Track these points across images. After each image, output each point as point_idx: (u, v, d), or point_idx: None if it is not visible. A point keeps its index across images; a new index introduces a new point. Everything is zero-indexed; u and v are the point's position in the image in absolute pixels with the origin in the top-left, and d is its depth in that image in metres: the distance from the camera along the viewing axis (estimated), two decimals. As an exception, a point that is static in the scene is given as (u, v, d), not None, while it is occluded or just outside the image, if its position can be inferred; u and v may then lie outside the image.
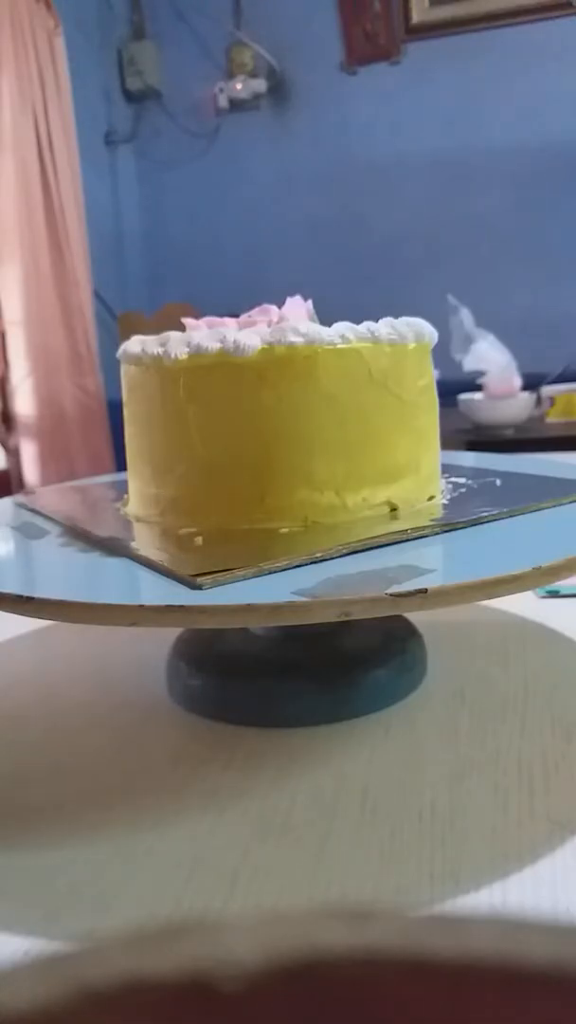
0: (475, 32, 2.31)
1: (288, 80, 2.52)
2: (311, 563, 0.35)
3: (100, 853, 0.34)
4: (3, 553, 0.44)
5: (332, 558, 0.36)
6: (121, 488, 0.52)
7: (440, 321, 0.78)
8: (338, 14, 2.42)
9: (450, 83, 2.36)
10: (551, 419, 1.79)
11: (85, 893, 0.32)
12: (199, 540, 0.39)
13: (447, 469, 0.50)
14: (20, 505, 0.54)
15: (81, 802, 0.38)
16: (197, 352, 0.40)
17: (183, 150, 2.65)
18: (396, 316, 0.44)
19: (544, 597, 0.60)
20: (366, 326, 0.42)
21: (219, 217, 2.64)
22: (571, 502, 0.44)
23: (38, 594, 0.33)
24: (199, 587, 0.32)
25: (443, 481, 0.48)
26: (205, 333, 0.41)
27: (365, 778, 0.38)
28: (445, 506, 0.44)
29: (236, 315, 0.47)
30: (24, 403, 2.17)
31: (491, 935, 0.10)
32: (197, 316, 0.49)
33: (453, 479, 0.50)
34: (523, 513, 0.42)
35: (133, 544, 0.40)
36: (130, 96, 2.67)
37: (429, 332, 0.45)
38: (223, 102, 2.53)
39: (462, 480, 0.49)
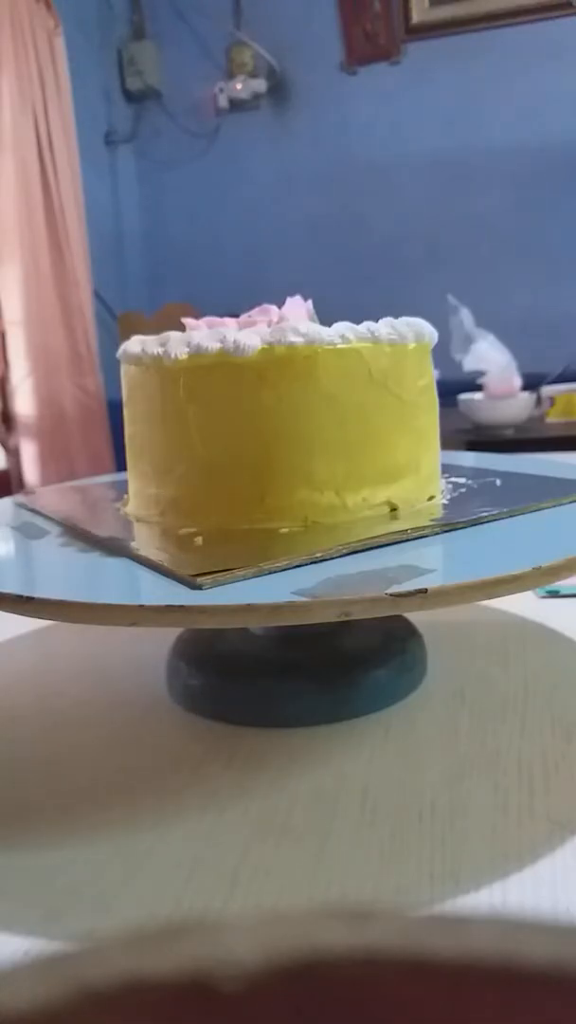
0: (475, 32, 2.31)
1: (288, 80, 2.52)
2: (311, 563, 0.35)
3: (100, 853, 0.34)
4: (3, 553, 0.44)
5: (332, 558, 0.36)
6: (121, 488, 0.52)
7: (440, 321, 0.78)
8: (338, 14, 2.42)
9: (450, 83, 2.36)
10: (551, 419, 1.79)
11: (85, 893, 0.32)
12: (199, 540, 0.39)
13: (447, 469, 0.50)
14: (20, 505, 0.54)
15: (81, 802, 0.38)
16: (197, 352, 0.40)
17: (183, 150, 2.65)
18: (396, 316, 0.44)
19: (544, 597, 0.60)
20: (366, 326, 0.42)
21: (219, 217, 2.64)
22: (571, 502, 0.44)
23: (38, 594, 0.33)
24: (199, 587, 0.32)
25: (443, 481, 0.48)
26: (205, 333, 0.41)
27: (365, 778, 0.38)
28: (445, 506, 0.44)
29: (236, 315, 0.47)
30: (24, 403, 2.17)
31: (491, 935, 0.10)
32: (197, 316, 0.49)
33: (453, 479, 0.50)
34: (523, 513, 0.42)
35: (133, 544, 0.40)
36: (130, 96, 2.67)
37: (429, 332, 0.45)
38: (223, 102, 2.53)
39: (462, 480, 0.49)
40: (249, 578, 0.33)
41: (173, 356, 0.41)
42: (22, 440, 2.20)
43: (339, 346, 0.40)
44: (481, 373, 1.70)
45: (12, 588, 0.33)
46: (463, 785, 0.37)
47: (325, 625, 0.38)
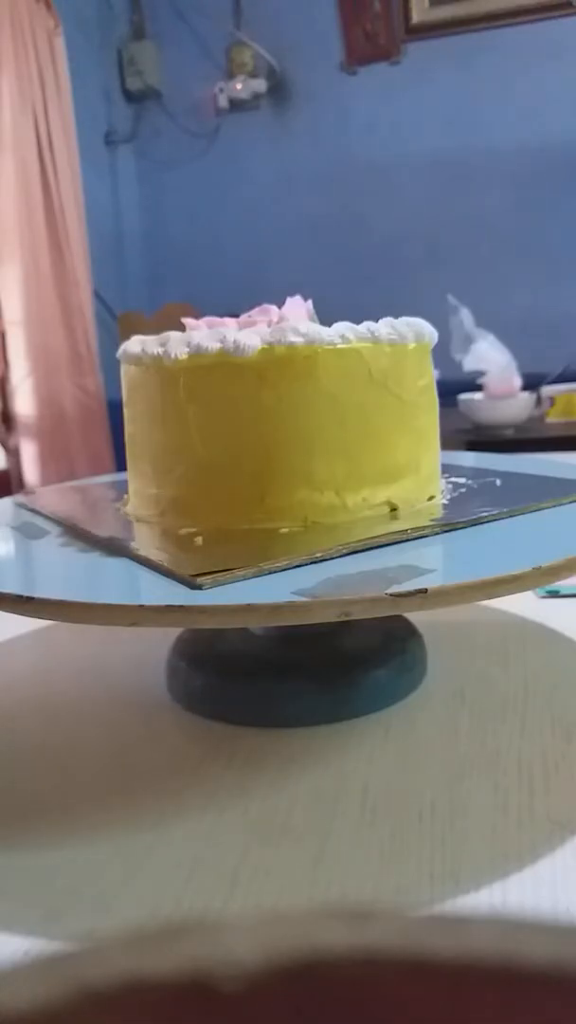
0: (475, 32, 2.31)
1: (288, 80, 2.52)
2: (311, 563, 0.35)
3: (100, 853, 0.34)
4: (3, 553, 0.44)
5: (332, 558, 0.36)
6: (121, 488, 0.52)
7: (440, 321, 0.78)
8: (338, 14, 2.42)
9: (450, 83, 2.36)
10: (551, 419, 1.79)
11: (85, 893, 0.32)
12: (199, 540, 0.39)
13: (447, 469, 0.50)
14: (20, 505, 0.54)
15: (81, 802, 0.38)
16: (197, 352, 0.40)
17: (183, 150, 2.65)
18: (396, 316, 0.44)
19: (544, 597, 0.60)
20: (366, 326, 0.42)
21: (219, 217, 2.64)
22: (571, 502, 0.44)
23: (38, 594, 0.33)
24: (199, 587, 0.32)
25: (443, 481, 0.48)
26: (205, 333, 0.41)
27: (365, 778, 0.38)
28: (445, 506, 0.44)
29: (236, 315, 0.47)
30: (24, 403, 2.17)
31: (491, 935, 0.10)
32: (197, 316, 0.49)
33: (453, 479, 0.50)
34: (523, 513, 0.42)
35: (133, 544, 0.40)
36: (130, 96, 2.67)
37: (429, 332, 0.45)
38: (223, 102, 2.53)
39: (462, 480, 0.49)
40: (249, 578, 0.33)
41: (173, 356, 0.41)
42: (22, 440, 2.20)
43: (339, 346, 0.40)
44: (481, 373, 1.70)
45: (12, 588, 0.33)
46: (463, 785, 0.37)
47: (325, 625, 0.38)
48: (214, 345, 0.40)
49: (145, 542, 0.41)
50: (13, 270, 2.10)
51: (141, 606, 0.31)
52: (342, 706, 0.43)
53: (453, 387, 1.52)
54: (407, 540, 0.38)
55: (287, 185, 2.56)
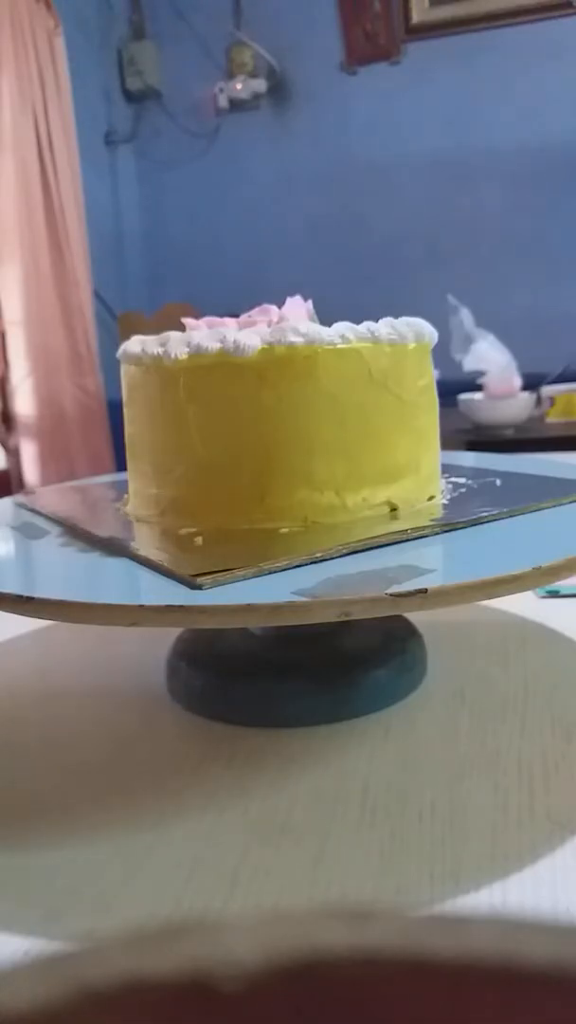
0: (475, 32, 2.31)
1: (288, 80, 2.52)
2: (311, 563, 0.35)
3: (100, 853, 0.34)
4: (3, 553, 0.44)
5: (332, 558, 0.36)
6: (121, 488, 0.52)
7: (440, 321, 0.78)
8: (338, 14, 2.42)
9: (450, 83, 2.36)
10: (551, 419, 1.79)
11: (85, 893, 0.32)
12: (199, 540, 0.39)
13: (447, 469, 0.50)
14: (20, 505, 0.54)
15: (81, 802, 0.38)
16: (197, 352, 0.40)
17: (183, 150, 2.65)
18: (396, 316, 0.44)
19: (544, 597, 0.60)
20: (366, 326, 0.42)
21: (219, 217, 2.64)
22: (571, 502, 0.44)
23: (38, 594, 0.33)
24: (199, 587, 0.32)
25: (443, 481, 0.48)
26: (205, 333, 0.41)
27: (365, 778, 0.38)
28: (445, 506, 0.44)
29: (236, 315, 0.47)
30: (24, 403, 2.17)
31: (491, 935, 0.10)
32: (197, 316, 0.49)
33: (453, 479, 0.50)
34: (523, 513, 0.42)
35: (133, 544, 0.40)
36: (130, 96, 2.67)
37: (429, 332, 0.45)
38: (223, 102, 2.53)
39: (462, 480, 0.49)
40: (249, 578, 0.33)
41: (173, 356, 0.41)
42: (22, 440, 2.20)
43: (339, 346, 0.40)
44: (481, 373, 1.70)
45: (12, 588, 0.33)
46: (463, 785, 0.37)
47: (325, 625, 0.38)
48: (214, 345, 0.40)
49: (145, 542, 0.41)
50: (13, 270, 2.10)
51: (141, 606, 0.31)
52: (342, 706, 0.43)
53: (453, 387, 1.52)
54: (407, 540, 0.38)
55: (287, 185, 2.56)
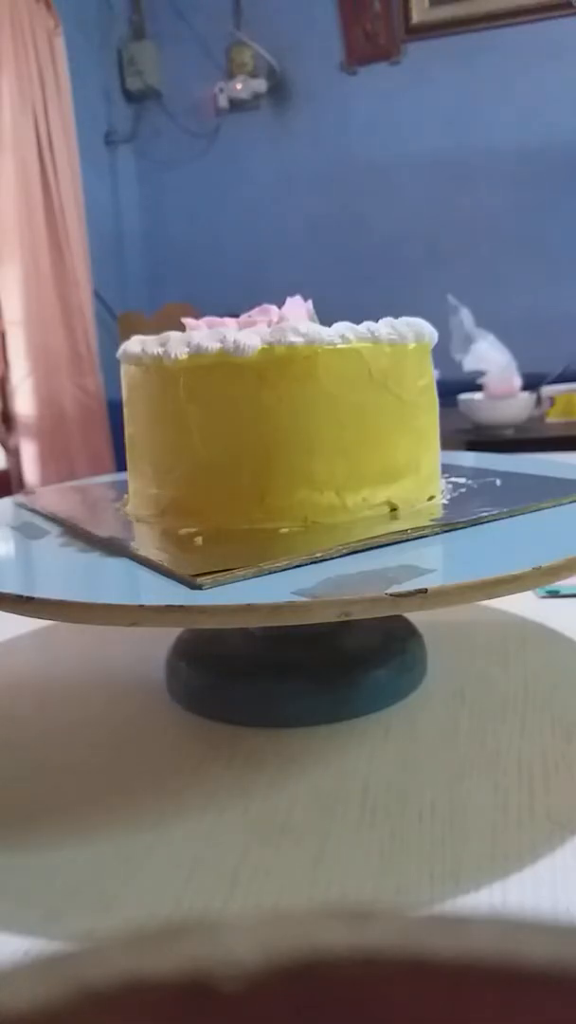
0: (475, 32, 2.31)
1: (288, 80, 2.52)
2: (311, 563, 0.35)
3: (100, 853, 0.34)
4: (3, 553, 0.44)
5: (332, 558, 0.36)
6: (121, 488, 0.52)
7: (440, 321, 0.78)
8: (338, 14, 2.42)
9: (450, 83, 2.36)
10: (551, 419, 1.79)
11: (85, 893, 0.32)
12: (199, 540, 0.39)
13: (447, 469, 0.50)
14: (20, 505, 0.54)
15: (81, 802, 0.38)
16: (197, 352, 0.40)
17: (183, 150, 2.65)
18: (396, 316, 0.44)
19: (544, 597, 0.60)
20: (366, 326, 0.42)
21: (219, 217, 2.64)
22: (571, 502, 0.44)
23: (38, 594, 0.33)
24: (199, 587, 0.32)
25: (443, 481, 0.48)
26: (205, 333, 0.41)
27: (365, 778, 0.38)
28: (445, 506, 0.44)
29: (236, 315, 0.47)
30: (24, 403, 2.17)
31: (491, 935, 0.10)
32: (197, 316, 0.49)
33: (453, 479, 0.50)
34: (523, 513, 0.42)
35: (133, 544, 0.40)
36: (130, 96, 2.67)
37: (429, 332, 0.45)
38: (223, 102, 2.53)
39: (462, 480, 0.49)
40: (249, 578, 0.33)
41: (173, 356, 0.41)
42: (22, 440, 2.20)
43: (339, 346, 0.40)
44: (481, 373, 1.70)
45: (12, 588, 0.33)
46: (463, 785, 0.37)
47: (325, 625, 0.38)
48: (214, 345, 0.40)
49: (145, 542, 0.41)
50: (13, 270, 2.10)
51: (141, 606, 0.31)
52: (342, 706, 0.43)
53: (453, 387, 1.52)
54: (407, 540, 0.38)
55: (287, 185, 2.56)
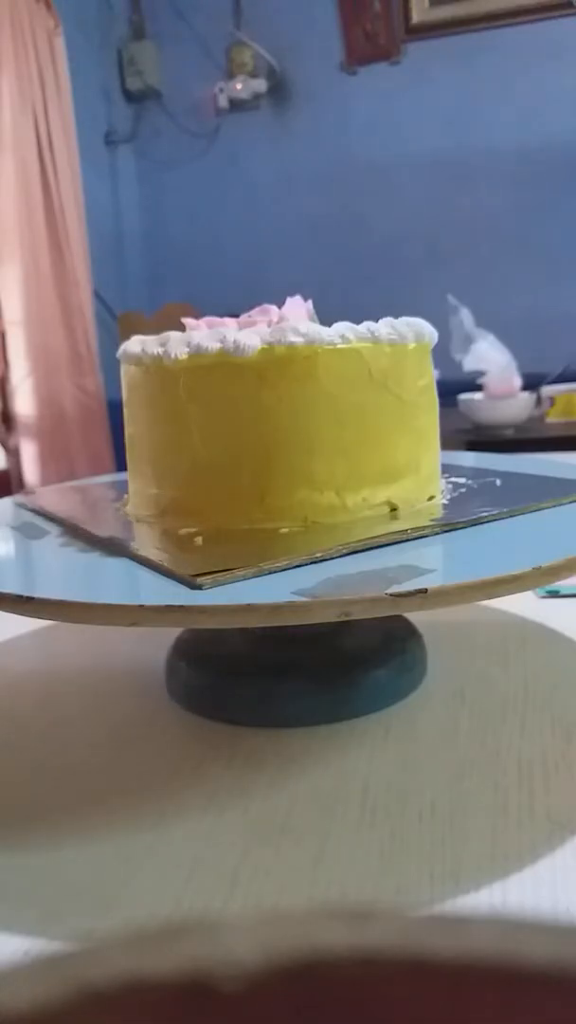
0: (475, 32, 2.31)
1: (288, 80, 2.52)
2: (311, 563, 0.35)
3: (100, 853, 0.34)
4: (3, 553, 0.44)
5: (332, 558, 0.36)
6: (121, 488, 0.52)
7: (440, 321, 0.78)
8: (338, 14, 2.42)
9: (450, 83, 2.36)
10: (551, 419, 1.79)
11: (85, 893, 0.32)
12: (199, 540, 0.39)
13: (447, 469, 0.50)
14: (20, 505, 0.54)
15: (81, 802, 0.38)
16: (197, 352, 0.40)
17: (183, 150, 2.65)
18: (396, 316, 0.44)
19: (544, 597, 0.60)
20: (366, 326, 0.42)
21: (219, 217, 2.64)
22: (571, 502, 0.44)
23: (38, 594, 0.33)
24: (199, 587, 0.32)
25: (443, 481, 0.48)
26: (205, 333, 0.41)
27: (365, 778, 0.38)
28: (445, 506, 0.44)
29: (236, 315, 0.47)
30: (24, 403, 2.17)
31: (491, 935, 0.10)
32: (197, 316, 0.49)
33: (453, 479, 0.50)
34: (523, 513, 0.42)
35: (133, 544, 0.40)
36: (130, 96, 2.67)
37: (429, 332, 0.45)
38: (223, 102, 2.53)
39: (462, 480, 0.49)
40: (249, 578, 0.33)
41: (173, 356, 0.41)
42: (22, 440, 2.20)
43: (339, 346, 0.40)
44: (481, 373, 1.70)
45: (12, 588, 0.33)
46: (463, 785, 0.37)
47: (325, 625, 0.38)
48: (214, 345, 0.40)
49: (145, 542, 0.41)
50: (13, 270, 2.10)
51: (141, 606, 0.31)
52: (342, 706, 0.43)
53: (453, 387, 1.52)
54: (407, 540, 0.38)
55: (287, 185, 2.56)
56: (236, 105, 2.53)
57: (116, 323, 2.49)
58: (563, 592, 0.61)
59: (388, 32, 2.39)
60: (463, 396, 1.73)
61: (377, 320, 0.42)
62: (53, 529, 0.46)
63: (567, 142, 2.27)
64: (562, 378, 2.03)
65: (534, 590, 0.60)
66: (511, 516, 0.42)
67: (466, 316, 1.68)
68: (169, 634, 0.50)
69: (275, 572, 0.34)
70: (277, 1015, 0.10)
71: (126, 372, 0.46)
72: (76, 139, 2.29)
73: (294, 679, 0.44)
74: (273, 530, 0.40)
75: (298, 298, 0.47)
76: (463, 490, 0.47)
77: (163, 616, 0.31)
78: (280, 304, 0.46)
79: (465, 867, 0.32)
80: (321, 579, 0.32)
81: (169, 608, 0.31)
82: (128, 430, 0.47)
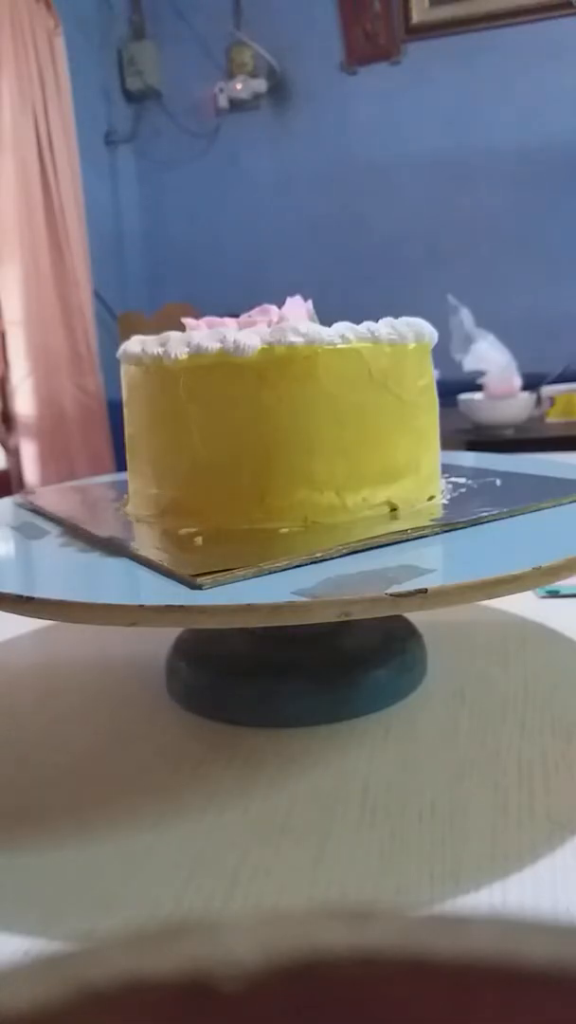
0: (475, 32, 2.31)
1: (288, 80, 2.52)
2: (311, 563, 0.35)
3: (100, 853, 0.34)
4: (3, 553, 0.44)
5: (332, 558, 0.36)
6: (121, 488, 0.52)
7: (440, 321, 0.78)
8: (338, 14, 2.42)
9: (450, 83, 2.36)
10: (551, 419, 1.79)
11: (85, 893, 0.32)
12: (199, 540, 0.39)
13: (447, 469, 0.50)
14: (20, 505, 0.54)
15: (81, 802, 0.38)
16: (197, 352, 0.40)
17: (183, 150, 2.65)
18: (396, 316, 0.44)
19: (544, 597, 0.60)
20: (366, 326, 0.42)
21: (219, 217, 2.64)
22: (571, 502, 0.44)
23: (38, 594, 0.33)
24: (199, 587, 0.32)
25: (443, 481, 0.48)
26: (205, 333, 0.41)
27: (365, 778, 0.38)
28: (445, 506, 0.44)
29: (236, 315, 0.47)
30: (24, 403, 2.17)
31: (491, 935, 0.10)
32: (197, 316, 0.49)
33: (453, 479, 0.50)
34: (523, 513, 0.42)
35: (133, 544, 0.40)
36: (130, 96, 2.67)
37: (429, 332, 0.45)
38: (223, 102, 2.53)
39: (462, 480, 0.49)
40: (249, 578, 0.33)
41: (173, 356, 0.41)
42: (22, 440, 2.20)
43: (339, 346, 0.40)
44: (481, 373, 1.70)
45: (12, 588, 0.33)
46: (463, 785, 0.37)
47: (325, 625, 0.38)
48: (214, 345, 0.40)
49: (145, 542, 0.41)
50: (13, 270, 2.10)
51: (141, 606, 0.31)
52: (342, 706, 0.43)
53: (453, 387, 1.52)
54: (407, 540, 0.38)
55: (287, 185, 2.56)
56: (236, 105, 2.53)
57: (116, 323, 2.49)
58: (563, 592, 0.61)
59: (388, 32, 2.39)
60: (463, 396, 1.73)
61: (377, 320, 0.42)
62: (53, 529, 0.46)
63: (567, 142, 2.27)
64: (562, 378, 2.03)
65: (534, 590, 0.60)
66: (511, 516, 0.42)
67: (466, 316, 1.68)
68: (169, 634, 0.50)
69: (275, 572, 0.34)
70: (277, 1015, 0.10)
71: (126, 372, 0.46)
72: (76, 139, 2.29)
73: (294, 679, 0.44)
74: (273, 530, 0.40)
75: (298, 298, 0.47)
76: (463, 490, 0.47)
77: (163, 616, 0.31)
78: (280, 304, 0.46)
79: (465, 867, 0.32)
80: (321, 579, 0.32)
81: (169, 608, 0.31)
82: (128, 430, 0.47)
